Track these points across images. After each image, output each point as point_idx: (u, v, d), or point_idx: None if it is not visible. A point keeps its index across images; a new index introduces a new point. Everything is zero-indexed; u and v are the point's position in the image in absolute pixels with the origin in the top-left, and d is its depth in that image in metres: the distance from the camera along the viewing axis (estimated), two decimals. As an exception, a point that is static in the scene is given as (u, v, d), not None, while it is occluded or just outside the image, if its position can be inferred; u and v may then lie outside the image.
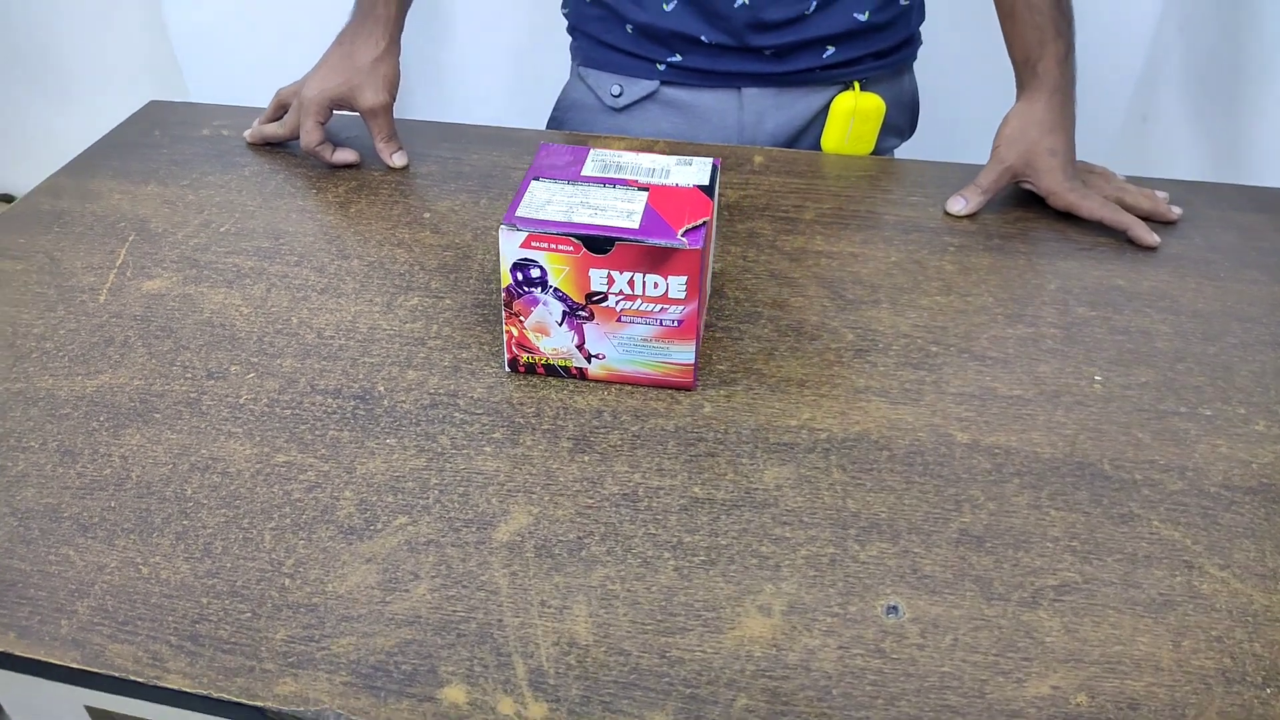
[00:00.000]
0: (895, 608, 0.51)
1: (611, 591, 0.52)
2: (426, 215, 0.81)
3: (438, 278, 0.74)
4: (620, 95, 0.94)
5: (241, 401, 0.63)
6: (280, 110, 0.89)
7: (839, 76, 0.91)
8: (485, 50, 1.43)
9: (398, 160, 0.86)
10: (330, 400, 0.63)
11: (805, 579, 0.52)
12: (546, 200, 0.61)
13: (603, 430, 0.61)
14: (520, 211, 0.59)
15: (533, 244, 0.59)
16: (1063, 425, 0.62)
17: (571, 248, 0.58)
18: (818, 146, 0.95)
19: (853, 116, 0.92)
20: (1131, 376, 0.66)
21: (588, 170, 0.64)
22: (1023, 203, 0.84)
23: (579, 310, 0.61)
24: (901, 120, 0.98)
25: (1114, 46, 1.26)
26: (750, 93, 0.92)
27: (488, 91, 1.46)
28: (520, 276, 0.60)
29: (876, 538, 0.55)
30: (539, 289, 0.60)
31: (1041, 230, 0.81)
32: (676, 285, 0.59)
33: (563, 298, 0.60)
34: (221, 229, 0.79)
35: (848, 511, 0.56)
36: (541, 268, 0.59)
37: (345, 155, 0.86)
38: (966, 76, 1.18)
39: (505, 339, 0.63)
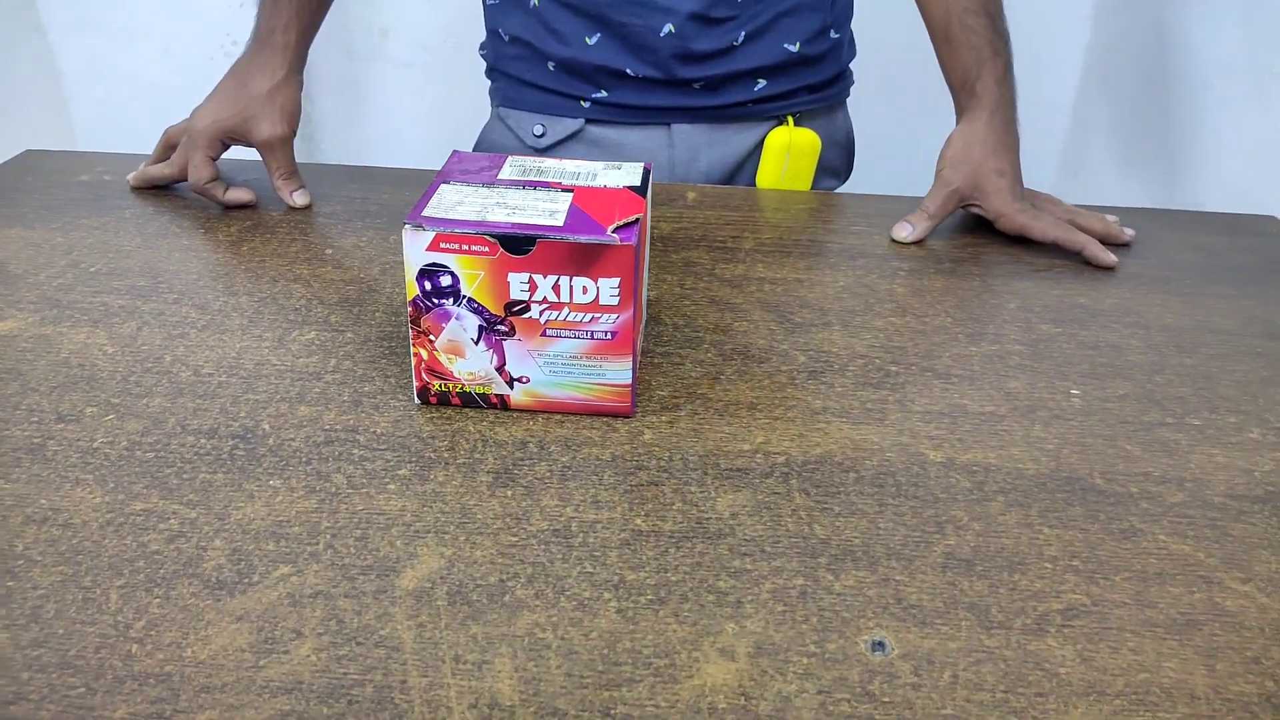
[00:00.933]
0: (882, 643, 0.43)
1: (541, 640, 0.42)
2: (328, 252, 0.73)
3: (338, 312, 0.65)
4: (543, 135, 0.88)
5: (95, 445, 0.53)
6: (169, 150, 0.81)
7: (772, 111, 0.87)
8: (399, 97, 1.38)
9: (299, 199, 0.79)
10: (203, 441, 0.53)
11: (773, 615, 0.44)
12: (457, 201, 0.53)
13: (528, 462, 0.52)
14: (428, 211, 0.52)
15: (442, 245, 0.51)
16: (1043, 440, 0.55)
17: (487, 248, 0.51)
18: (753, 184, 0.90)
19: (788, 152, 0.87)
20: (1109, 389, 0.60)
21: (505, 174, 0.57)
22: (970, 228, 0.80)
23: (498, 324, 0.53)
24: (837, 160, 0.94)
25: (1040, 107, 1.26)
26: (681, 129, 0.87)
27: (400, 140, 1.40)
28: (428, 286, 0.52)
29: (851, 566, 0.47)
30: (450, 300, 0.53)
31: (993, 254, 0.76)
32: (608, 289, 0.52)
33: (478, 309, 0.53)
34: (91, 269, 0.70)
35: (815, 539, 0.48)
36: (453, 274, 0.52)
37: (240, 195, 0.78)
38: (901, 119, 1.16)
39: (413, 364, 0.55)
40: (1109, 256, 0.74)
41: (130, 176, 0.82)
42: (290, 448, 0.53)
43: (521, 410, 0.56)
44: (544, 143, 0.88)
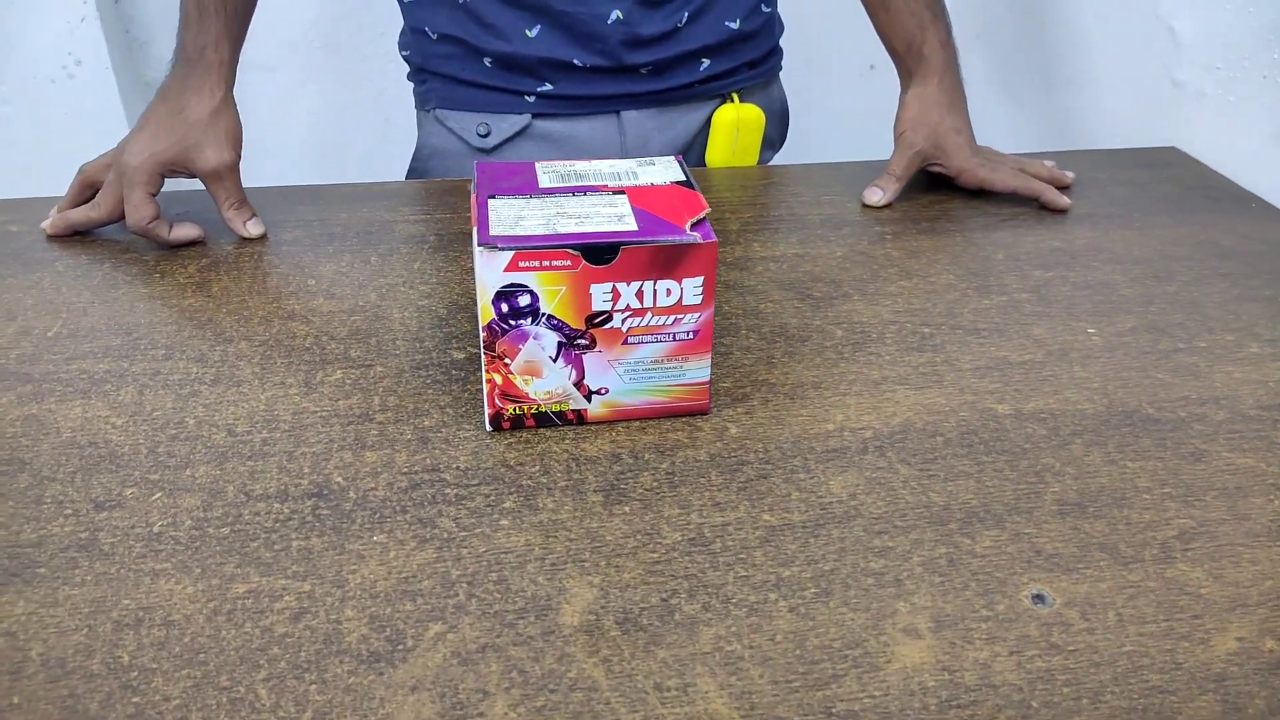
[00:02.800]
0: (1041, 596, 0.45)
1: (732, 653, 0.42)
2: (311, 282, 0.68)
3: (355, 346, 0.61)
4: (488, 135, 0.85)
5: (156, 530, 0.47)
6: (89, 189, 0.73)
7: (716, 89, 0.88)
8: (266, 105, 1.29)
9: (253, 229, 0.73)
10: (278, 506, 0.49)
11: (934, 587, 0.45)
12: (518, 216, 0.51)
13: (630, 475, 0.51)
14: (495, 230, 0.49)
15: (520, 264, 0.49)
16: (1088, 380, 0.59)
17: (569, 262, 0.49)
18: (702, 163, 0.91)
19: (736, 128, 0.88)
20: (1117, 324, 0.65)
21: (545, 182, 0.55)
22: (927, 187, 0.83)
23: (578, 338, 0.51)
24: (774, 131, 0.96)
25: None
26: (630, 115, 0.86)
27: (281, 151, 1.31)
28: (505, 308, 0.50)
29: (981, 527, 0.48)
30: (528, 319, 0.50)
31: (959, 209, 0.80)
32: (692, 289, 0.51)
33: (558, 325, 0.51)
34: (49, 334, 0.62)
35: (937, 506, 0.49)
36: (532, 292, 0.49)
37: (186, 231, 0.71)
38: (824, 82, 1.19)
39: (486, 391, 0.52)
40: (1063, 200, 0.79)
41: (45, 224, 0.73)
42: (377, 498, 0.49)
43: (599, 422, 0.55)
44: (490, 142, 0.85)
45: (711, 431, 0.54)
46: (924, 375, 0.59)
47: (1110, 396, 0.58)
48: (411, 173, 0.90)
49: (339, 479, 0.51)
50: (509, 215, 0.51)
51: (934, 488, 0.51)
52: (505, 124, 0.85)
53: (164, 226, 0.70)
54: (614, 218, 0.51)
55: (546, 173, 0.56)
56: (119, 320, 0.63)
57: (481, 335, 0.51)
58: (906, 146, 0.79)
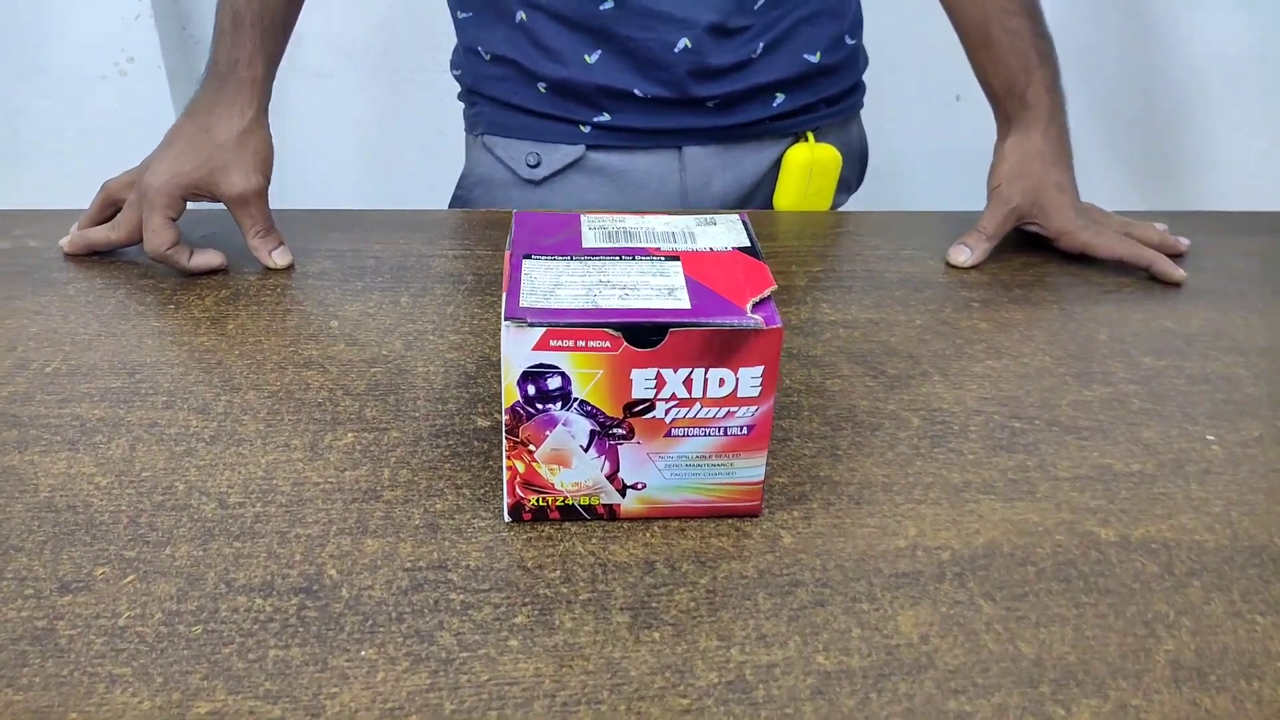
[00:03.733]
0: (1153, 793, 0.37)
1: (769, 844, 0.35)
2: (334, 324, 0.62)
3: (372, 404, 0.55)
4: (538, 165, 0.79)
5: (121, 624, 0.42)
6: (110, 208, 0.68)
7: (790, 127, 0.80)
8: (317, 111, 1.24)
9: (279, 259, 0.67)
10: (259, 601, 0.43)
11: (1020, 771, 0.37)
12: (554, 283, 0.44)
13: (664, 590, 0.44)
14: (526, 300, 0.43)
15: (552, 344, 0.42)
16: (1206, 502, 0.50)
17: (608, 344, 0.42)
18: (769, 206, 0.83)
19: (810, 170, 0.80)
20: (1243, 431, 0.56)
21: (589, 241, 0.48)
22: (1021, 246, 0.75)
23: (614, 427, 0.44)
24: (851, 173, 0.88)
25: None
26: (692, 152, 0.79)
27: (325, 159, 1.26)
28: (532, 390, 0.43)
29: (1079, 692, 0.40)
30: (558, 404, 0.44)
31: (1056, 275, 0.71)
32: (749, 380, 0.44)
33: (592, 413, 0.44)
34: (47, 369, 0.57)
35: (1026, 659, 0.42)
36: (564, 375, 0.43)
37: (208, 259, 0.66)
38: (904, 116, 1.11)
39: (506, 478, 0.46)
40: (1177, 272, 0.70)
41: (64, 241, 0.68)
42: (371, 600, 0.43)
43: (632, 519, 0.48)
44: (539, 173, 0.79)
45: (762, 539, 0.47)
46: (1014, 483, 0.51)
47: (1234, 526, 0.49)
48: (455, 200, 0.85)
49: (333, 572, 0.44)
50: (545, 281, 0.44)
51: (1023, 634, 0.43)
52: (557, 155, 0.78)
53: (184, 253, 0.65)
54: (664, 291, 0.44)
55: (593, 228, 0.49)
56: (123, 358, 0.58)
57: (504, 419, 0.44)
58: (1002, 202, 0.71)
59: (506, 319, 0.42)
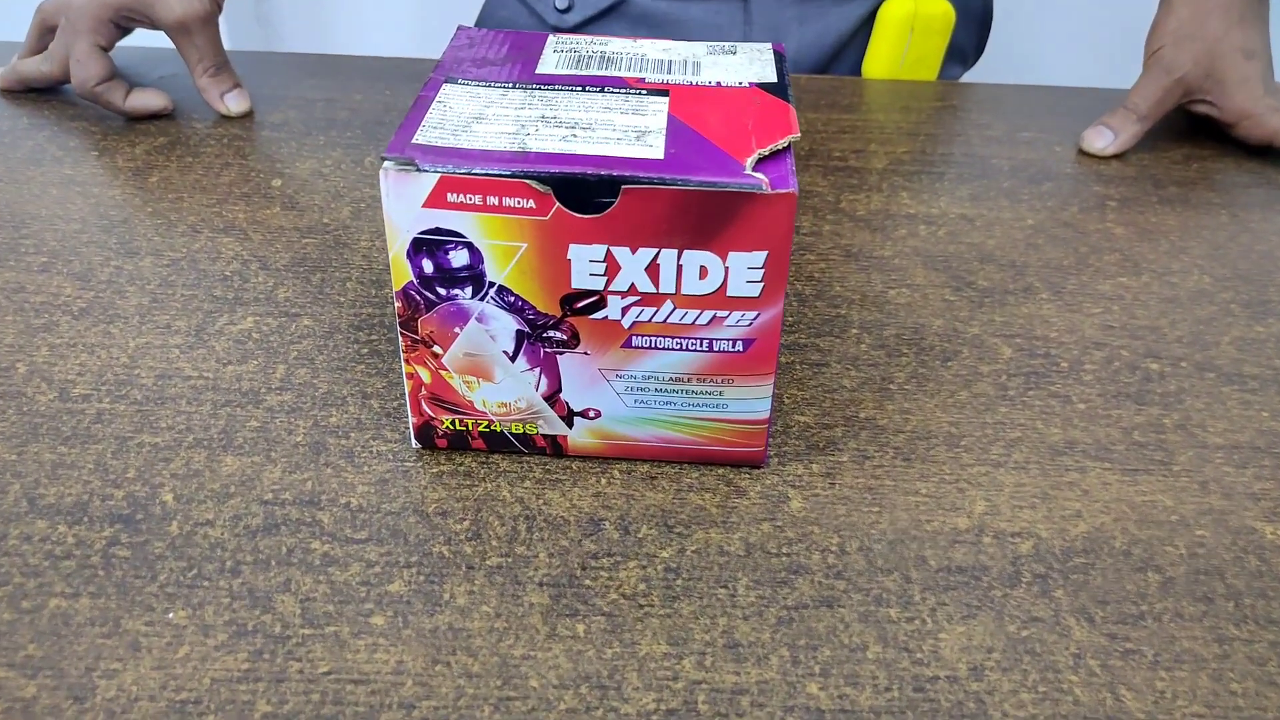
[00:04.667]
0: None
1: None
2: (276, 183, 0.50)
3: (290, 282, 0.43)
4: (569, 10, 0.64)
5: (-121, 542, 0.31)
6: (46, 35, 0.57)
7: (888, -30, 0.63)
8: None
9: (233, 104, 0.55)
10: (64, 529, 0.32)
11: None
12: (474, 116, 0.31)
13: (606, 562, 0.31)
14: (424, 136, 0.29)
15: (450, 198, 0.29)
16: None
17: (532, 202, 0.28)
18: (857, 73, 0.67)
19: (911, 28, 0.64)
20: None
21: (549, 66, 0.34)
22: (1185, 133, 0.57)
23: (550, 328, 0.31)
24: (967, 38, 0.70)
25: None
26: (762, 1, 0.63)
27: (382, 12, 1.13)
28: (429, 267, 0.30)
29: (1214, 784, 0.26)
30: (467, 290, 0.31)
31: (1228, 172, 0.53)
32: (744, 271, 0.29)
33: (516, 305, 0.31)
34: (-78, 217, 0.47)
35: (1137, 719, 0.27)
36: (472, 247, 0.30)
37: (147, 100, 0.55)
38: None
39: (407, 390, 0.33)
40: (1404, 175, 0.51)
41: (-3, 74, 0.58)
42: (205, 541, 0.31)
43: (587, 457, 0.35)
44: (571, 19, 0.65)
45: (760, 501, 0.33)
46: (1140, 448, 0.36)
47: None
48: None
49: (168, 497, 0.33)
50: (462, 114, 0.31)
51: (1132, 679, 0.28)
52: (594, -4, 0.64)
53: (118, 91, 0.54)
54: (632, 133, 0.30)
55: (559, 51, 0.35)
56: (16, 209, 0.47)
57: (396, 306, 0.31)
58: (1162, 70, 0.53)
59: (385, 157, 0.28)
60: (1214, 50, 0.52)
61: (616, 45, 0.36)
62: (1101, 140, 0.54)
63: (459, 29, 0.37)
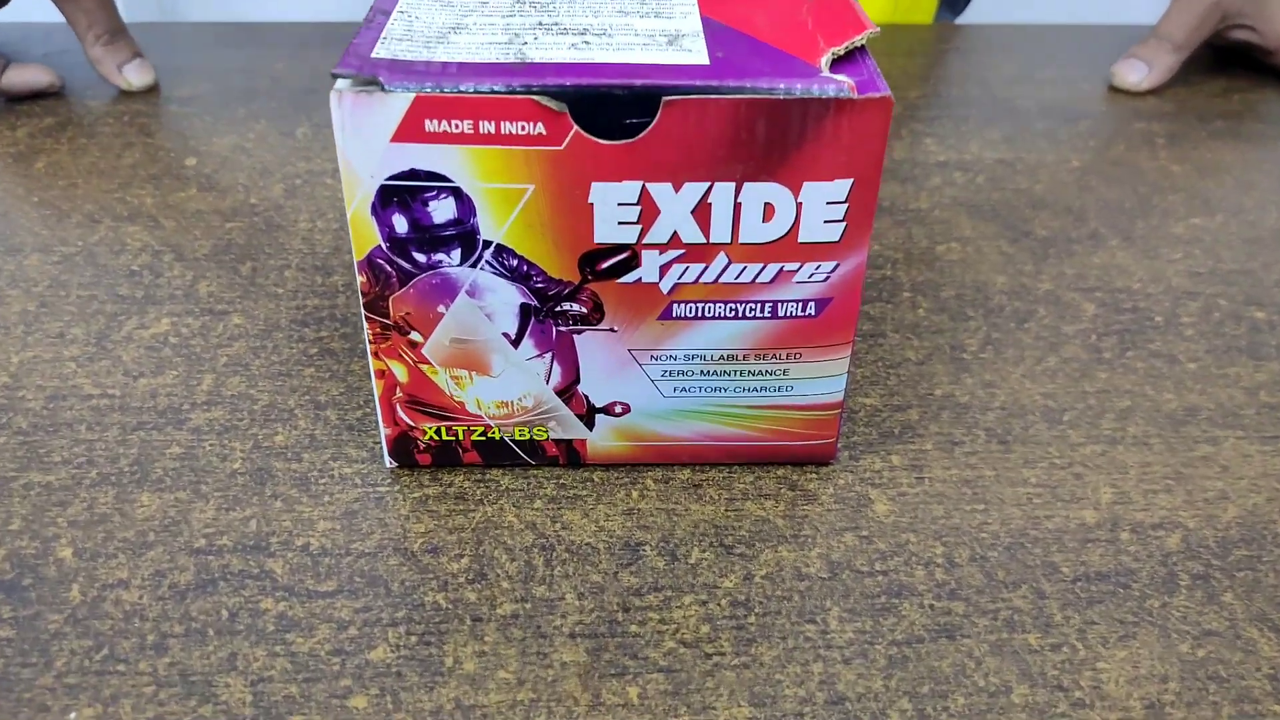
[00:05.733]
0: None
1: None
2: (190, 162, 0.42)
3: (214, 274, 0.35)
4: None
5: None
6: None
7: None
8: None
9: (134, 77, 0.47)
10: (-79, 606, 0.24)
11: None
12: (451, 25, 0.23)
13: (654, 599, 0.24)
14: (385, 50, 0.22)
15: (429, 126, 0.21)
16: None
17: (541, 127, 0.21)
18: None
19: (902, -34, 0.57)
20: None
21: (535, -30, 0.27)
22: (1220, 65, 0.52)
23: (565, 299, 0.24)
24: (957, -19, 0.64)
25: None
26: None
27: None
28: (403, 225, 0.23)
29: None
30: (453, 255, 0.23)
31: (1273, 103, 0.48)
32: (821, 206, 0.23)
33: (521, 272, 0.23)
34: None
35: (1373, 762, 0.21)
36: (460, 195, 0.22)
37: (29, 76, 0.46)
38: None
39: (377, 393, 0.26)
40: None
41: None
42: (120, 608, 0.24)
43: (612, 465, 0.27)
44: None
45: (836, 504, 0.27)
46: (1273, 411, 0.30)
47: None
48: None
49: (66, 552, 0.25)
50: (432, 24, 0.23)
51: (1353, 706, 0.22)
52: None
53: (-9, 63, 0.45)
54: (661, 39, 0.23)
55: (544, -43, 0.28)
56: None
57: (359, 281, 0.24)
58: (1196, -7, 0.47)
59: (336, 72, 0.21)
60: (1253, -32, 0.47)
61: (615, -53, 0.28)
62: (1135, 74, 0.48)
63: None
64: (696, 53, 0.22)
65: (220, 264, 0.35)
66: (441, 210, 0.22)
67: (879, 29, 0.26)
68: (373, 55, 0.22)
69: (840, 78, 0.21)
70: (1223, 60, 0.52)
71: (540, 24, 0.23)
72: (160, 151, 0.42)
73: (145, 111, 0.45)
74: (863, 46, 0.23)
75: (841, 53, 0.22)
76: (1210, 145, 0.44)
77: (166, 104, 0.46)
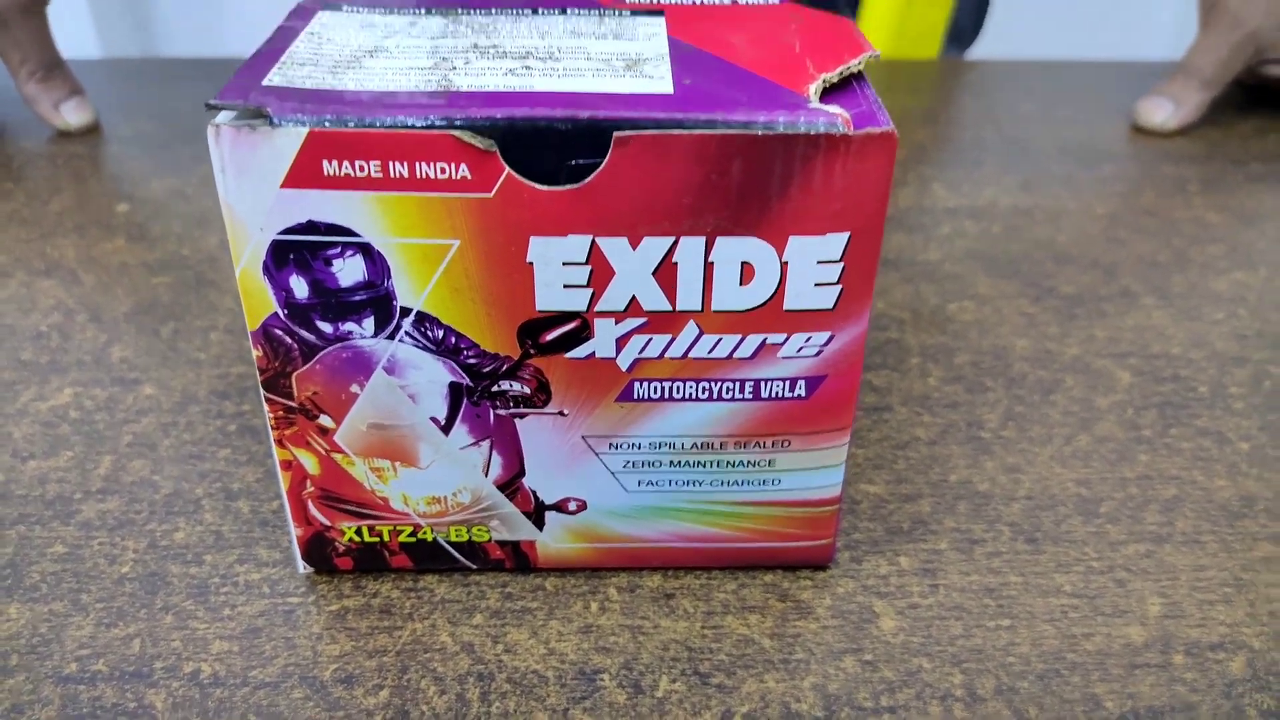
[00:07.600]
0: None
1: None
2: (122, 209, 0.38)
3: (129, 337, 0.31)
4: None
5: None
6: None
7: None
8: None
9: (71, 116, 0.43)
10: None
11: None
12: (366, 48, 0.19)
13: (612, 745, 0.20)
14: (279, 76, 0.18)
15: (329, 168, 0.17)
16: None
17: (465, 170, 0.17)
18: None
19: (908, 1, 0.54)
20: None
21: (479, -10, 0.23)
22: (1252, 104, 0.48)
23: (502, 378, 0.20)
24: (966, 15, 0.61)
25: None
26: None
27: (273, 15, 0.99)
28: (301, 290, 0.19)
29: None
30: (365, 324, 0.19)
31: (1312, 146, 0.44)
32: (811, 265, 0.18)
33: (449, 345, 0.19)
34: None
35: None
36: (370, 253, 0.18)
37: (-40, 113, 0.42)
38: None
39: (284, 487, 0.22)
40: None
41: None
42: (-47, 758, 0.19)
43: (568, 570, 0.23)
44: None
45: (834, 620, 0.22)
46: (1347, 500, 0.25)
47: None
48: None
49: (-100, 684, 0.21)
50: (345, 46, 0.19)
51: None
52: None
53: (-83, 102, 0.41)
54: (618, 63, 0.19)
55: (494, -23, 0.24)
56: None
57: (255, 355, 0.20)
58: (1229, 25, 0.44)
59: (213, 105, 0.17)
60: (1287, -1, 0.43)
61: (576, -34, 0.25)
62: (1161, 113, 0.44)
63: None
64: (659, 79, 0.18)
65: (139, 325, 0.31)
66: (349, 271, 0.18)
67: (879, 52, 0.22)
68: (264, 82, 0.18)
69: (833, 109, 0.17)
70: (1253, 98, 0.48)
71: (475, 46, 0.19)
72: (91, 197, 0.38)
73: (81, 154, 0.42)
74: (860, 73, 0.19)
75: (835, 80, 0.18)
76: (1249, 190, 0.40)
77: (107, 144, 0.43)
